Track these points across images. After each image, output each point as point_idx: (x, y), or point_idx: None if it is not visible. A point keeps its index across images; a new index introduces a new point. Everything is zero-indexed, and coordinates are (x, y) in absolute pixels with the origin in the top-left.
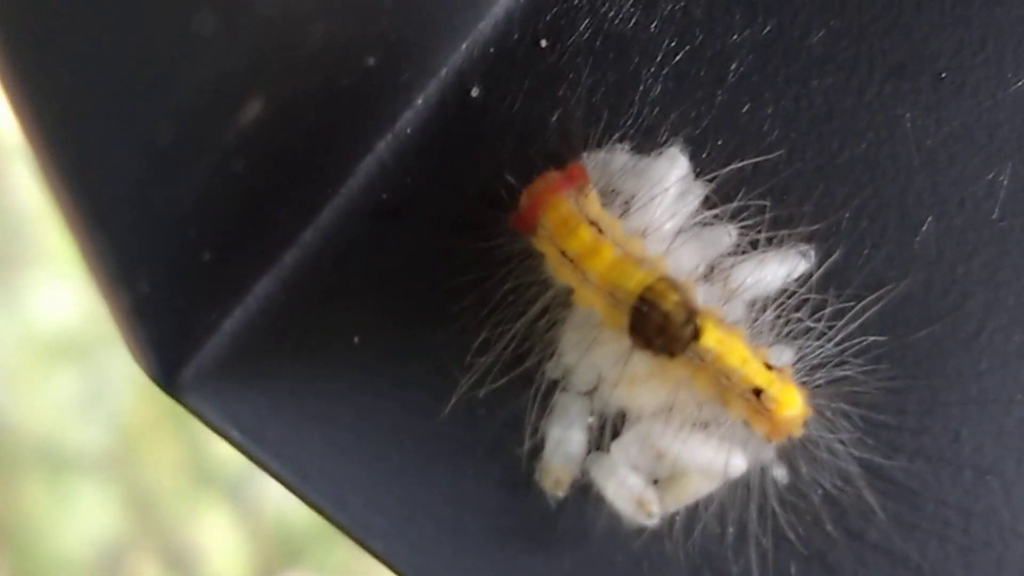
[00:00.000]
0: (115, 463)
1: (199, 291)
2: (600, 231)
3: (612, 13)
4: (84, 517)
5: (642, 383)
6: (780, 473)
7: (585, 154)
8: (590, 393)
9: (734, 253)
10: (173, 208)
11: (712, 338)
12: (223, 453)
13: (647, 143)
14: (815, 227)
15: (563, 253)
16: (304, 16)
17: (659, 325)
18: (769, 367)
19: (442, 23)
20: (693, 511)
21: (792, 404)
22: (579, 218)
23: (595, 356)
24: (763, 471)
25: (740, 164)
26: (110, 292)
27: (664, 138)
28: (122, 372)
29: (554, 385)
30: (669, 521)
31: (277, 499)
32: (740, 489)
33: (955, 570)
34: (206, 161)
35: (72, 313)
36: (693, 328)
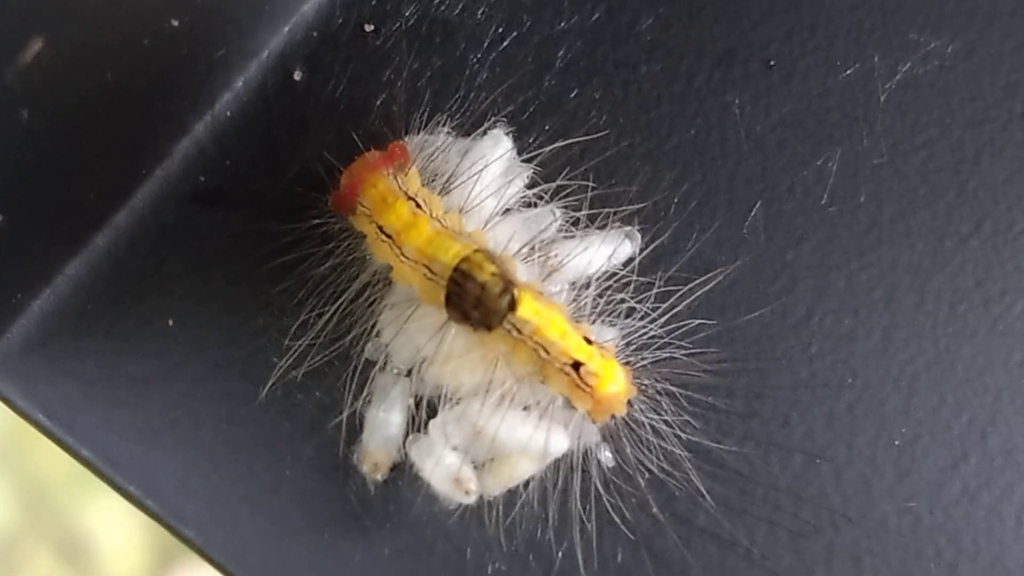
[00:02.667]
0: (5, 453)
1: (2, 260)
2: (418, 207)
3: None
4: None
5: (460, 360)
6: (605, 456)
7: (407, 136)
8: (409, 373)
9: (557, 234)
10: None
11: (530, 309)
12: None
13: (472, 126)
14: (642, 207)
15: (381, 229)
16: None
17: (476, 297)
18: (589, 342)
19: (261, 2)
20: (515, 494)
21: (613, 379)
22: (397, 194)
23: (413, 333)
24: (587, 453)
25: (565, 143)
26: None
27: (489, 123)
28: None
29: (373, 366)
30: (491, 505)
31: None
32: (563, 471)
33: (785, 555)
34: None
35: None
36: (510, 299)
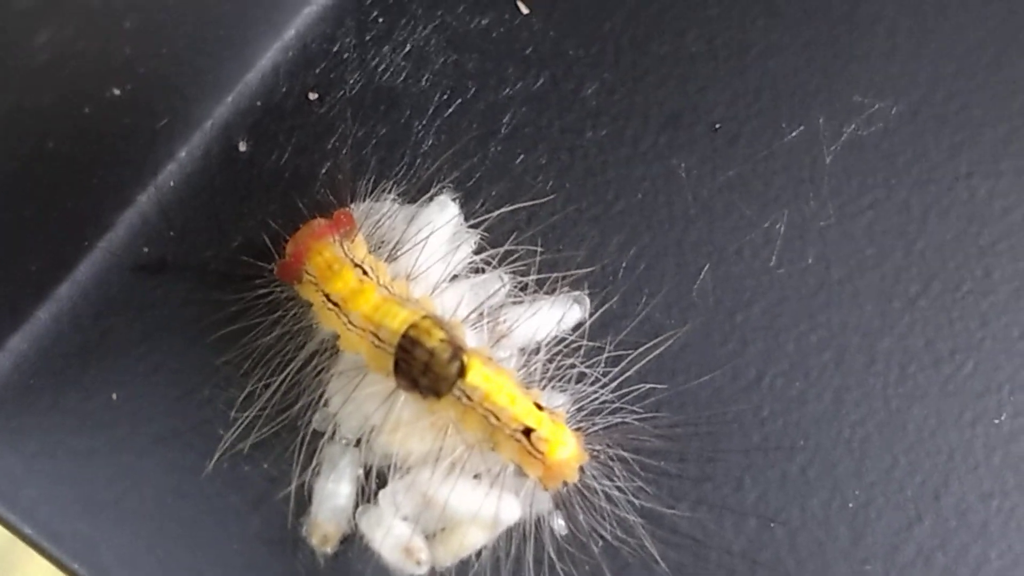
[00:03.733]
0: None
1: None
2: (365, 274)
3: (383, 67)
4: None
5: (409, 428)
6: (558, 524)
7: (353, 204)
8: (358, 443)
9: (506, 299)
10: None
11: (479, 375)
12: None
13: (418, 193)
14: (590, 271)
15: (328, 297)
16: (25, 12)
17: (424, 363)
18: (540, 407)
19: (204, 71)
20: (467, 565)
21: (564, 445)
22: (343, 262)
23: (361, 402)
24: (540, 521)
25: (512, 207)
26: None
27: (435, 189)
28: None
29: (321, 437)
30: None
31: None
32: (516, 540)
33: None
34: None
35: None
36: (459, 365)
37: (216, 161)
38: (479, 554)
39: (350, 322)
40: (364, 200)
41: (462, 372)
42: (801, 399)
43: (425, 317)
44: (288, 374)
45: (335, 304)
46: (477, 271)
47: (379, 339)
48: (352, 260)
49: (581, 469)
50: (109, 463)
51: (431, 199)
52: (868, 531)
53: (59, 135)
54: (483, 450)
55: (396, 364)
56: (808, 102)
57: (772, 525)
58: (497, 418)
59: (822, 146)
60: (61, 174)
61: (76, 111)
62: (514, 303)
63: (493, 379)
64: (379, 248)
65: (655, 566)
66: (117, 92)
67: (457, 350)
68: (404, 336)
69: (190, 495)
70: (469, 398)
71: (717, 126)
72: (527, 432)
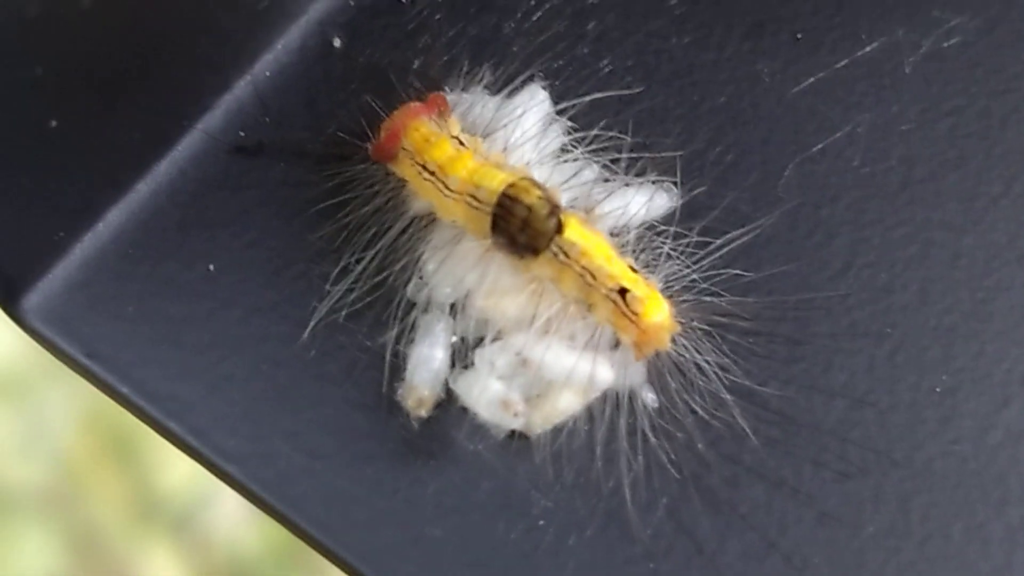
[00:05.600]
0: (57, 501)
1: (45, 198)
2: (461, 144)
3: None
4: (27, 556)
5: (504, 291)
6: (650, 397)
7: (447, 89)
8: (452, 311)
9: (596, 182)
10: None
11: (576, 232)
12: (169, 486)
13: (507, 85)
14: (678, 158)
15: (424, 167)
16: None
17: (522, 219)
18: (635, 270)
19: None
20: (560, 433)
21: (658, 308)
22: (440, 133)
23: (456, 268)
24: (632, 394)
25: (601, 95)
26: None
27: (525, 78)
28: (63, 409)
29: (415, 306)
30: (537, 442)
31: (226, 532)
32: (609, 410)
33: (831, 496)
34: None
35: (9, 351)
36: (557, 221)
37: (311, 54)
38: (575, 427)
39: (447, 187)
40: (456, 91)
41: (560, 228)
42: (888, 288)
43: (523, 177)
44: (381, 248)
45: (432, 173)
46: (566, 155)
47: (477, 200)
48: (449, 134)
49: (672, 340)
50: (206, 330)
51: (521, 87)
52: (956, 414)
53: None
54: (578, 310)
55: (494, 222)
56: (887, 16)
57: (861, 406)
58: (593, 277)
59: (902, 57)
60: (167, 34)
61: None
62: (604, 187)
63: (590, 237)
64: (472, 131)
65: (746, 440)
66: None
67: (555, 207)
68: (503, 194)
69: (285, 363)
70: (566, 255)
71: (799, 35)
72: (622, 292)
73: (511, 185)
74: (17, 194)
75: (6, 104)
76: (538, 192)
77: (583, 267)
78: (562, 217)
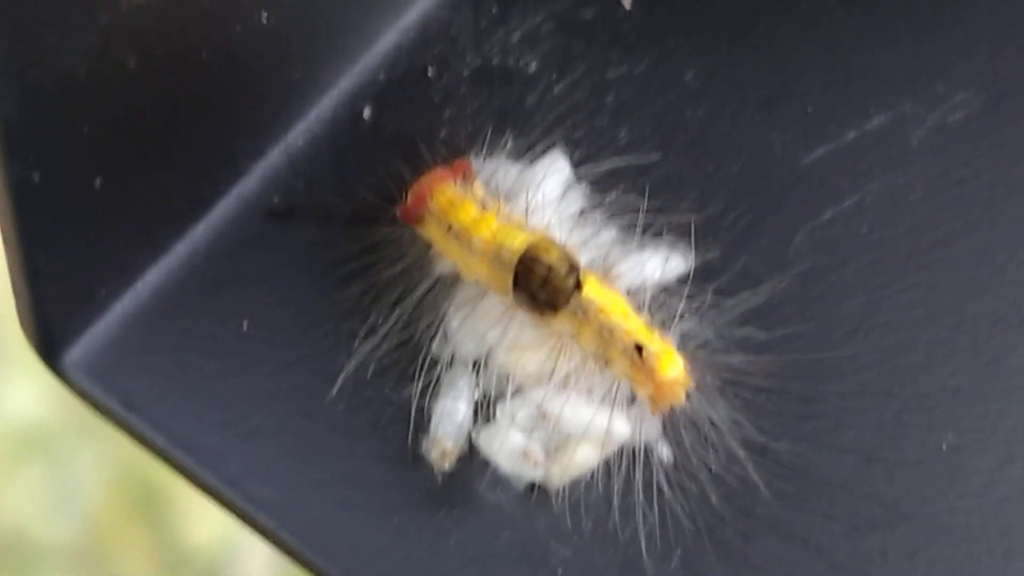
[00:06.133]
0: (85, 558)
1: (88, 257)
2: (485, 207)
3: (496, 48)
4: None
5: (525, 347)
6: (665, 451)
7: (471, 156)
8: (475, 367)
9: (613, 244)
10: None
11: (594, 290)
12: (197, 543)
13: (529, 152)
14: (693, 221)
15: (449, 228)
16: None
17: (543, 277)
18: (650, 327)
19: (333, 36)
20: (579, 485)
21: (673, 364)
22: (465, 196)
23: (478, 325)
24: (648, 448)
25: (619, 161)
26: (13, 252)
27: (546, 147)
28: (91, 467)
29: (439, 362)
30: (556, 494)
31: None
32: (625, 463)
33: (842, 549)
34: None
35: (40, 407)
36: (576, 278)
37: (342, 124)
38: (591, 476)
39: (471, 247)
40: (480, 158)
41: (579, 285)
42: (895, 350)
43: (544, 238)
44: (407, 307)
45: (457, 234)
46: (585, 218)
47: (500, 259)
48: (473, 197)
49: (687, 396)
50: (238, 384)
51: (543, 156)
52: (962, 471)
53: (212, 46)
54: (596, 365)
55: (516, 280)
56: (894, 91)
57: (870, 463)
58: (611, 333)
59: (909, 130)
60: (207, 100)
61: (229, 23)
62: (621, 249)
63: (608, 295)
64: (495, 194)
65: (759, 493)
66: (265, 17)
67: (574, 266)
68: (524, 253)
69: (315, 416)
70: (585, 312)
71: (809, 109)
72: (639, 348)
73: (532, 245)
74: (63, 253)
75: (55, 162)
76: (558, 251)
77: (601, 323)
78: (581, 275)
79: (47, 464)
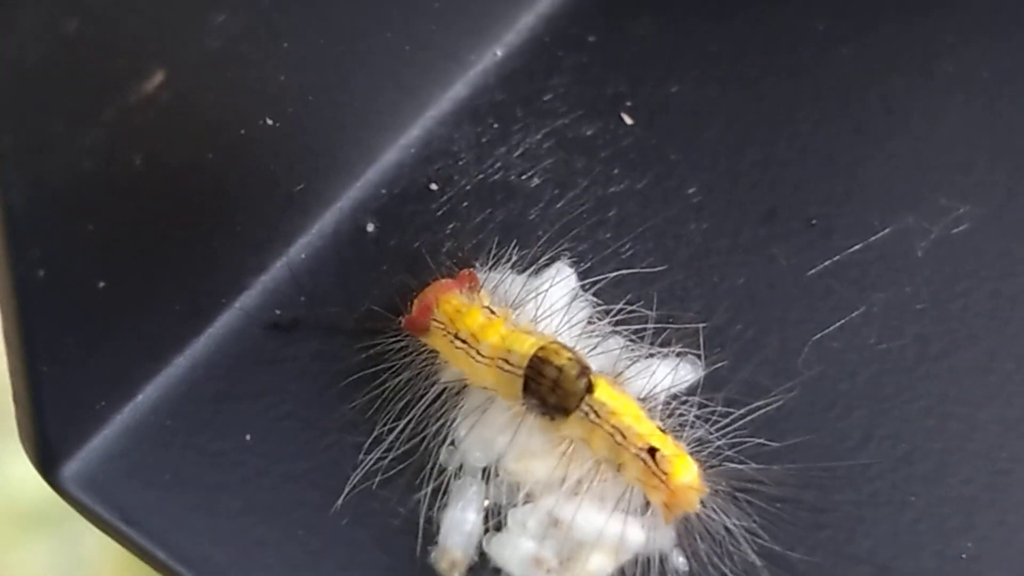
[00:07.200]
0: None
1: (88, 369)
2: (492, 312)
3: (498, 164)
4: None
5: (535, 454)
6: (680, 560)
7: (476, 267)
8: (484, 476)
9: (621, 354)
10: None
11: (606, 392)
12: None
13: (533, 264)
14: (701, 331)
15: (456, 336)
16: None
17: (553, 380)
18: (663, 431)
19: (336, 149)
20: None
21: (686, 468)
22: (471, 304)
23: (487, 431)
24: (662, 557)
25: (625, 271)
26: (16, 358)
27: (551, 258)
28: (98, 540)
29: (446, 472)
30: None
31: None
32: (640, 572)
33: None
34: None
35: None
36: (587, 381)
37: (345, 238)
38: None
39: (479, 354)
40: (485, 270)
41: (590, 388)
42: (907, 459)
43: (553, 341)
44: (413, 416)
45: (464, 342)
46: (592, 327)
47: (509, 363)
48: (479, 304)
49: (700, 503)
50: (240, 497)
51: (548, 266)
52: None
53: (217, 147)
54: (608, 469)
55: (526, 384)
56: (897, 204)
57: (888, 572)
58: (623, 436)
59: (913, 242)
60: (208, 207)
61: (234, 125)
62: (629, 359)
63: (619, 398)
64: (501, 304)
65: None
66: (270, 122)
67: (585, 368)
68: (534, 357)
69: (319, 529)
70: (597, 414)
71: (813, 221)
72: (651, 452)
73: (541, 348)
74: (64, 360)
75: (60, 259)
76: (568, 354)
77: (613, 426)
78: (592, 378)
79: (54, 538)
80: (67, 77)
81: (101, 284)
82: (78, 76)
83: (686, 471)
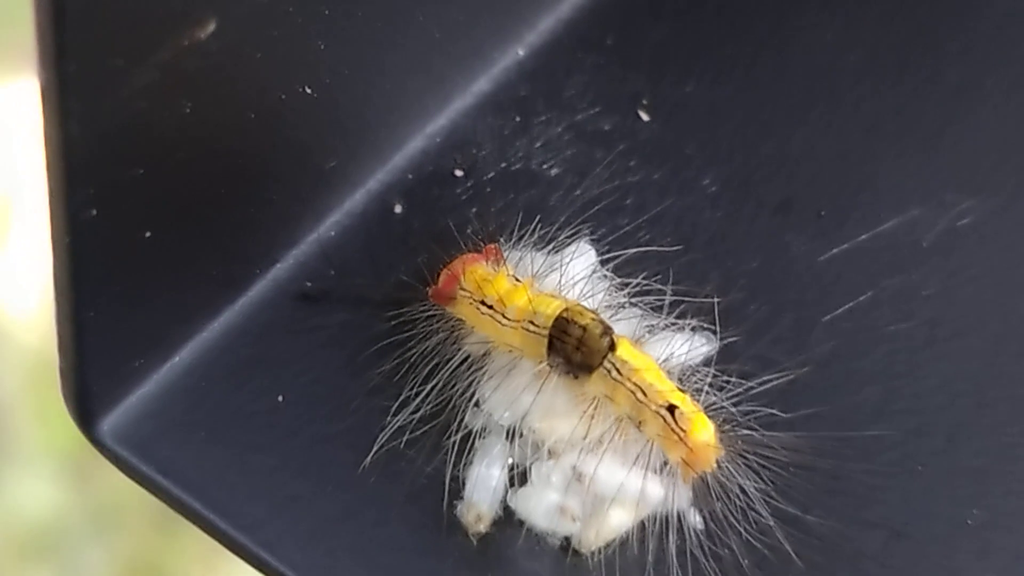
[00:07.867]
0: None
1: (128, 329)
2: (518, 281)
3: (520, 154)
4: None
5: (559, 413)
6: (697, 518)
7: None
8: (509, 435)
9: (640, 328)
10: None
11: (628, 351)
12: None
13: (555, 243)
14: (716, 305)
15: (483, 303)
16: None
17: (578, 339)
18: (682, 390)
19: (366, 130)
20: (613, 550)
21: (705, 427)
22: (497, 273)
23: (512, 391)
24: (681, 515)
25: (643, 249)
26: (64, 301)
27: (572, 236)
28: (101, 564)
29: (472, 433)
30: (590, 560)
31: None
32: (658, 529)
33: None
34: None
35: (49, 505)
36: (610, 339)
37: (373, 218)
38: (624, 542)
39: (505, 317)
40: (508, 247)
41: (613, 346)
42: (918, 432)
43: (577, 304)
44: (439, 381)
45: (490, 307)
46: (611, 306)
47: (535, 324)
48: (505, 272)
49: (716, 463)
50: (273, 456)
51: (569, 244)
52: (990, 546)
53: (258, 109)
54: (629, 427)
55: (551, 343)
56: (903, 198)
57: (900, 538)
58: (644, 393)
59: (919, 233)
60: (249, 171)
61: (275, 87)
62: (647, 333)
63: (640, 357)
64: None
65: (791, 564)
66: (308, 90)
67: (608, 327)
68: (559, 317)
69: (349, 486)
70: (619, 372)
71: (823, 212)
72: (671, 409)
73: (566, 309)
74: (107, 315)
75: (111, 200)
76: (591, 314)
77: (634, 384)
78: (614, 337)
79: (56, 563)
80: (128, 12)
81: (147, 234)
82: (139, 13)
83: (704, 429)
